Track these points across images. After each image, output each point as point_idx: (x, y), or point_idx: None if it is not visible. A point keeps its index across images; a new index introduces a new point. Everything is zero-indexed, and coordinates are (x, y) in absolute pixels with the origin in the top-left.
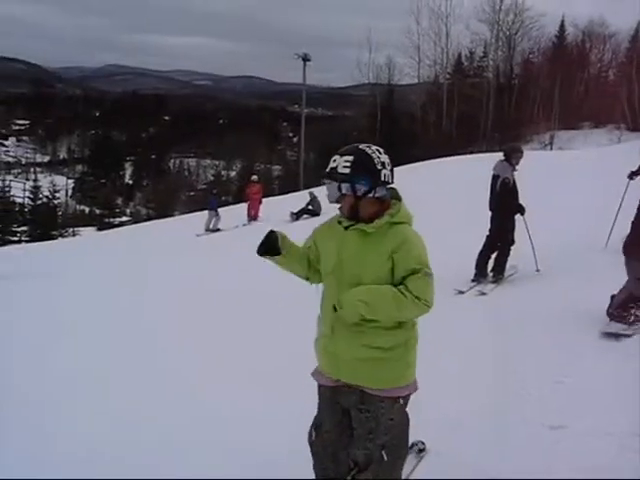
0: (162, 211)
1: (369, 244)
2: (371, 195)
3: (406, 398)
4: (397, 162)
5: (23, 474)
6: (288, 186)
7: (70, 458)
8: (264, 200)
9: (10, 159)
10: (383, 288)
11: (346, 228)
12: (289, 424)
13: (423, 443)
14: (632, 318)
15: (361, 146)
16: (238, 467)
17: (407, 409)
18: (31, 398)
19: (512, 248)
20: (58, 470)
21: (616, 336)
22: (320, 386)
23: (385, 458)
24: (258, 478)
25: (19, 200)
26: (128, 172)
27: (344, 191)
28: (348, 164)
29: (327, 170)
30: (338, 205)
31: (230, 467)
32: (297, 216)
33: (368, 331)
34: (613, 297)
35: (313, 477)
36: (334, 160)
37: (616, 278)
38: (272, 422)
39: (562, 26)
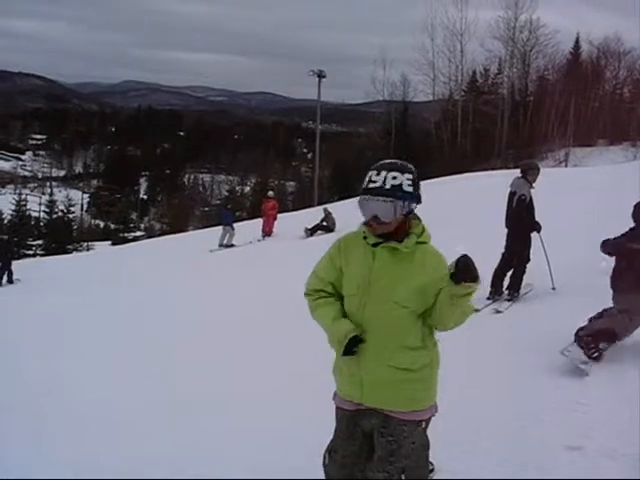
0: (176, 226)
1: (400, 262)
2: (413, 213)
3: (428, 421)
4: None
5: (23, 474)
6: (302, 202)
7: (71, 459)
8: (278, 216)
9: (27, 173)
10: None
11: (375, 245)
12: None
13: (432, 464)
14: (596, 354)
15: (407, 164)
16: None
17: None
18: (33, 400)
19: (528, 266)
20: (60, 471)
21: (571, 363)
22: (339, 409)
23: None
24: (260, 478)
25: (35, 214)
26: (143, 187)
27: (407, 209)
28: (410, 182)
29: (386, 187)
30: (364, 222)
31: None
32: (311, 232)
33: (396, 350)
34: (591, 320)
35: None
36: (394, 177)
37: None
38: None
39: (577, 43)
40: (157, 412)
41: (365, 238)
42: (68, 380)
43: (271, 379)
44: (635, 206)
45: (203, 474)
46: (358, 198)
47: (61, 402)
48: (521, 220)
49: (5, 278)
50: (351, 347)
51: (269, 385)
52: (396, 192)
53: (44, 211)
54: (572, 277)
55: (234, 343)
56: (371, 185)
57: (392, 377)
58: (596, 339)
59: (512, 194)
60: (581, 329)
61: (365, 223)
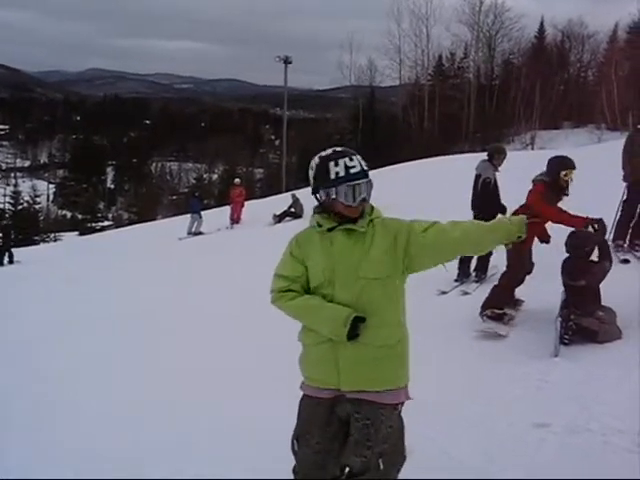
0: (144, 215)
1: (356, 242)
2: None
3: (402, 404)
4: (379, 163)
5: (23, 474)
6: (270, 189)
7: (72, 459)
8: (246, 203)
9: None
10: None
11: (330, 230)
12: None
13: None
14: (567, 341)
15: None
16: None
17: None
18: (33, 400)
19: None
20: (60, 471)
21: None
22: (311, 398)
23: (382, 467)
24: (260, 478)
25: None
26: (109, 176)
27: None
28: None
29: (365, 169)
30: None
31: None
32: (280, 219)
33: (371, 328)
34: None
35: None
36: (361, 160)
37: None
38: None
39: (542, 26)
40: (157, 411)
41: (320, 226)
42: (68, 380)
43: (271, 379)
44: (569, 235)
45: (203, 474)
46: (341, 187)
47: (61, 402)
48: (486, 203)
49: (6, 259)
50: (356, 329)
51: (270, 385)
52: (366, 172)
53: (9, 202)
54: (538, 258)
55: (233, 341)
56: (353, 170)
57: (369, 355)
58: (579, 333)
59: (477, 177)
60: (570, 313)
61: (324, 209)
